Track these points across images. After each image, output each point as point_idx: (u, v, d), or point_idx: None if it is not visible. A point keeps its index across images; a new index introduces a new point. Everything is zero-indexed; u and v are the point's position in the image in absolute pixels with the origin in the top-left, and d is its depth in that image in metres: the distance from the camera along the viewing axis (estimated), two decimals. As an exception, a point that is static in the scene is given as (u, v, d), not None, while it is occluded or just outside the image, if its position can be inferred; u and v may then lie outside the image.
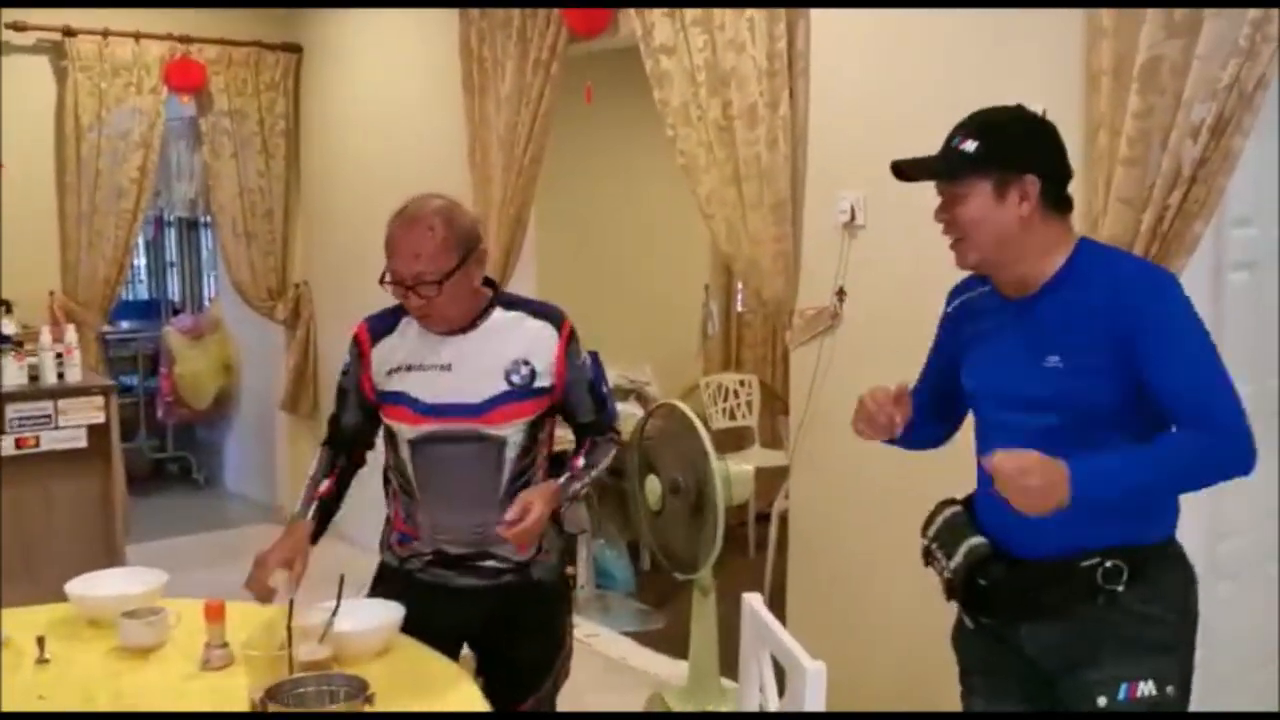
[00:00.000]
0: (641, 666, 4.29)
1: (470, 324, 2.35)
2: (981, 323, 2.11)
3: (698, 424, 3.55)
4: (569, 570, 4.89)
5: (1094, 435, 1.91)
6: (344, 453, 2.55)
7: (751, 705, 2.21)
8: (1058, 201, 1.98)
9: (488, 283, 2.41)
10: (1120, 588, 1.92)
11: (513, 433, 2.33)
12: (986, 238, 1.96)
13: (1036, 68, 2.89)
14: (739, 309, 6.59)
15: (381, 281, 2.30)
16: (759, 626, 2.19)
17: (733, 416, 5.95)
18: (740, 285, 6.56)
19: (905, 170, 2.04)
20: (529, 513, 2.22)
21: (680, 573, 3.74)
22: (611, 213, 5.85)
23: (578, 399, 2.43)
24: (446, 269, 2.24)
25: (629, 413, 5.48)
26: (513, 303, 2.42)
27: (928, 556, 2.14)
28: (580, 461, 2.45)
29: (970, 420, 2.24)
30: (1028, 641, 2.02)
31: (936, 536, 2.12)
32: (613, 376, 5.38)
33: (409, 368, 2.37)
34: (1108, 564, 1.92)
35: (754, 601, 2.25)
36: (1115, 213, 2.62)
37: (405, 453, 2.40)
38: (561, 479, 2.39)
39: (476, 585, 2.39)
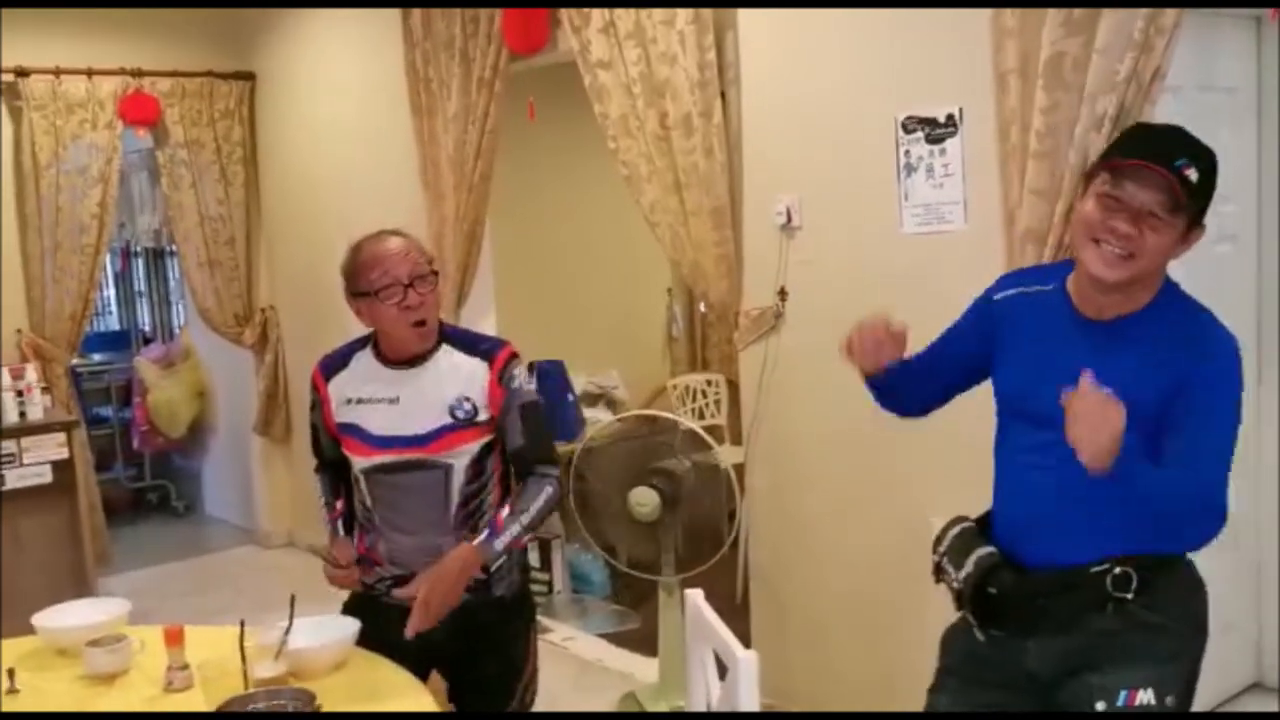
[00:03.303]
0: (616, 667, 4.38)
1: (421, 357, 2.44)
2: (1038, 327, 2.05)
3: (695, 426, 3.66)
4: (543, 575, 5.01)
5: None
6: (339, 471, 2.62)
7: (699, 696, 2.29)
8: None
9: None
10: (1129, 595, 1.94)
11: (459, 459, 2.42)
12: (1152, 267, 1.89)
13: (951, 69, 2.99)
14: (702, 309, 6.68)
15: (373, 293, 2.37)
16: (700, 621, 2.27)
17: (701, 415, 6.04)
18: (700, 287, 6.66)
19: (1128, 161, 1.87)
20: (421, 603, 2.25)
21: (650, 574, 3.82)
22: (569, 223, 5.94)
23: (509, 423, 2.44)
24: (434, 264, 2.42)
25: (597, 418, 5.58)
26: (458, 340, 2.49)
27: (939, 572, 2.13)
28: (505, 512, 2.42)
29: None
30: (1033, 653, 2.02)
31: (947, 551, 2.11)
32: (580, 383, 5.53)
33: (360, 401, 2.48)
34: (1117, 570, 1.93)
35: (695, 597, 2.33)
36: (1029, 205, 2.72)
37: (362, 483, 2.51)
38: (478, 540, 2.36)
39: None
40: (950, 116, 2.99)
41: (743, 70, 3.53)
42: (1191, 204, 1.85)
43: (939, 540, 2.15)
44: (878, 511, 3.36)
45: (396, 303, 2.37)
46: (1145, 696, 1.93)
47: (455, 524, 2.43)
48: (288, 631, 2.16)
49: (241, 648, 2.02)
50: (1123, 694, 1.94)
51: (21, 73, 5.23)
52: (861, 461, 3.40)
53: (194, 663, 2.24)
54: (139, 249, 7.63)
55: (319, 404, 2.55)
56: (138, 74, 5.52)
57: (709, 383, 6.20)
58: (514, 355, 2.47)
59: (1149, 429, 1.86)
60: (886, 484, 3.32)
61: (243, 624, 2.08)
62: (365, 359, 2.51)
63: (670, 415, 3.79)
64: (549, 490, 2.44)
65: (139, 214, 6.69)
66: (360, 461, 2.48)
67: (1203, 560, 3.37)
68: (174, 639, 2.25)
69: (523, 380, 2.46)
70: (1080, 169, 2.63)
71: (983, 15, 2.83)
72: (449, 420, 2.40)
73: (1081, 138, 2.61)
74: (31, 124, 5.26)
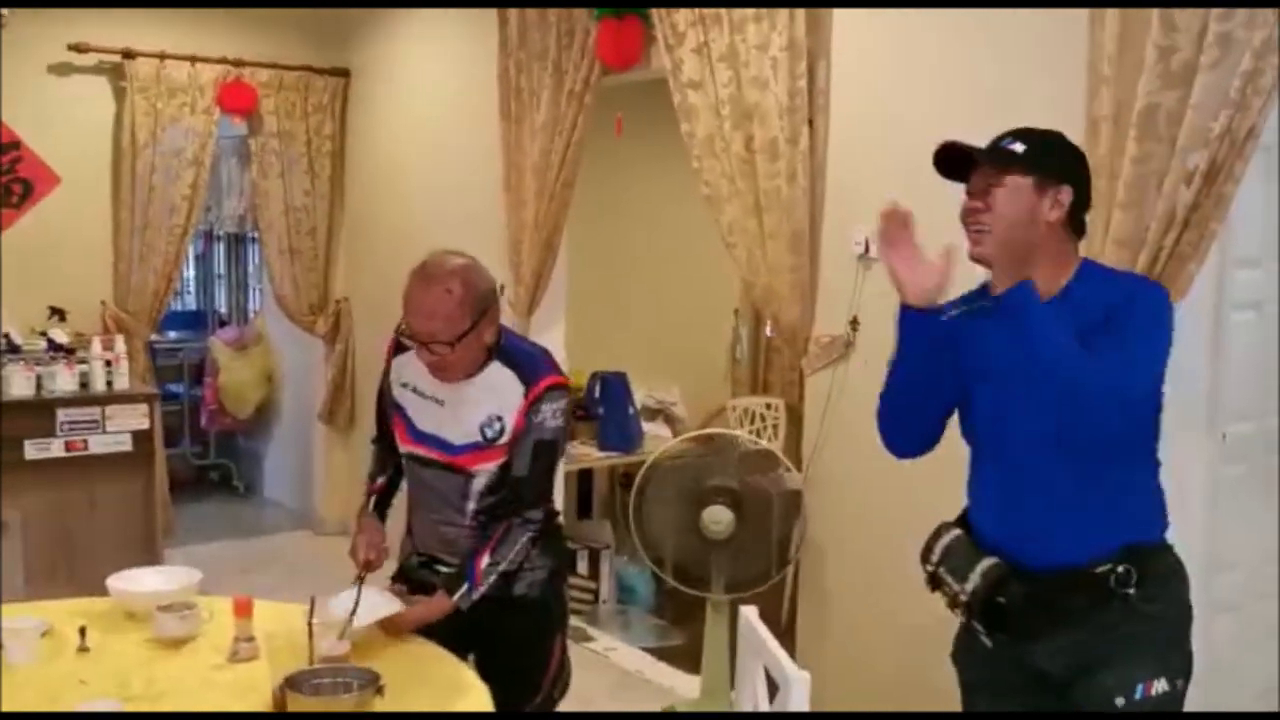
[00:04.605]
0: (656, 679, 4.41)
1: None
2: (977, 337, 2.15)
3: (773, 448, 3.68)
4: (589, 584, 5.04)
5: (1089, 454, 2.01)
6: (393, 446, 2.65)
7: (748, 708, 2.32)
8: (1077, 219, 2.09)
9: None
10: (1131, 590, 2.02)
11: (481, 473, 2.48)
12: (1010, 233, 2.04)
13: (1041, 112, 2.96)
14: (768, 334, 6.68)
15: (398, 332, 2.42)
16: (753, 638, 2.30)
17: (758, 439, 6.04)
18: (769, 311, 6.67)
19: (949, 155, 2.15)
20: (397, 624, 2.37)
21: (701, 591, 3.85)
22: (643, 237, 5.99)
23: (519, 450, 2.45)
24: (460, 330, 2.34)
25: (655, 433, 5.63)
26: (509, 356, 2.47)
27: (934, 581, 2.20)
28: (484, 561, 2.43)
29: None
30: (1041, 654, 2.10)
31: (943, 561, 2.18)
32: (639, 396, 5.57)
33: (414, 389, 2.54)
34: (1120, 569, 2.02)
35: (750, 615, 2.37)
36: (1112, 254, 2.71)
37: (403, 463, 2.61)
38: (459, 592, 2.41)
39: None
40: (1038, 160, 2.99)
41: (832, 99, 3.56)
42: (1027, 165, 2.03)
43: (928, 549, 2.22)
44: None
45: (415, 348, 2.41)
46: (1159, 685, 2.02)
47: (470, 522, 2.51)
48: (353, 611, 2.22)
49: (310, 624, 2.08)
50: (1139, 687, 2.02)
51: (128, 55, 5.41)
52: (920, 499, 3.39)
53: (260, 635, 2.31)
54: (221, 233, 7.81)
55: (386, 366, 2.62)
56: (239, 64, 5.68)
57: (768, 406, 6.19)
58: (553, 387, 2.44)
59: None
60: (948, 514, 3.31)
61: (313, 600, 2.14)
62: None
63: (742, 434, 3.82)
64: (526, 538, 2.47)
65: (225, 199, 6.84)
66: (401, 446, 2.58)
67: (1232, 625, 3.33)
68: (243, 610, 2.32)
69: (548, 416, 2.43)
70: (1167, 222, 2.63)
71: (1079, 60, 2.84)
72: (478, 439, 2.45)
73: (1170, 191, 2.61)
74: (133, 105, 5.43)
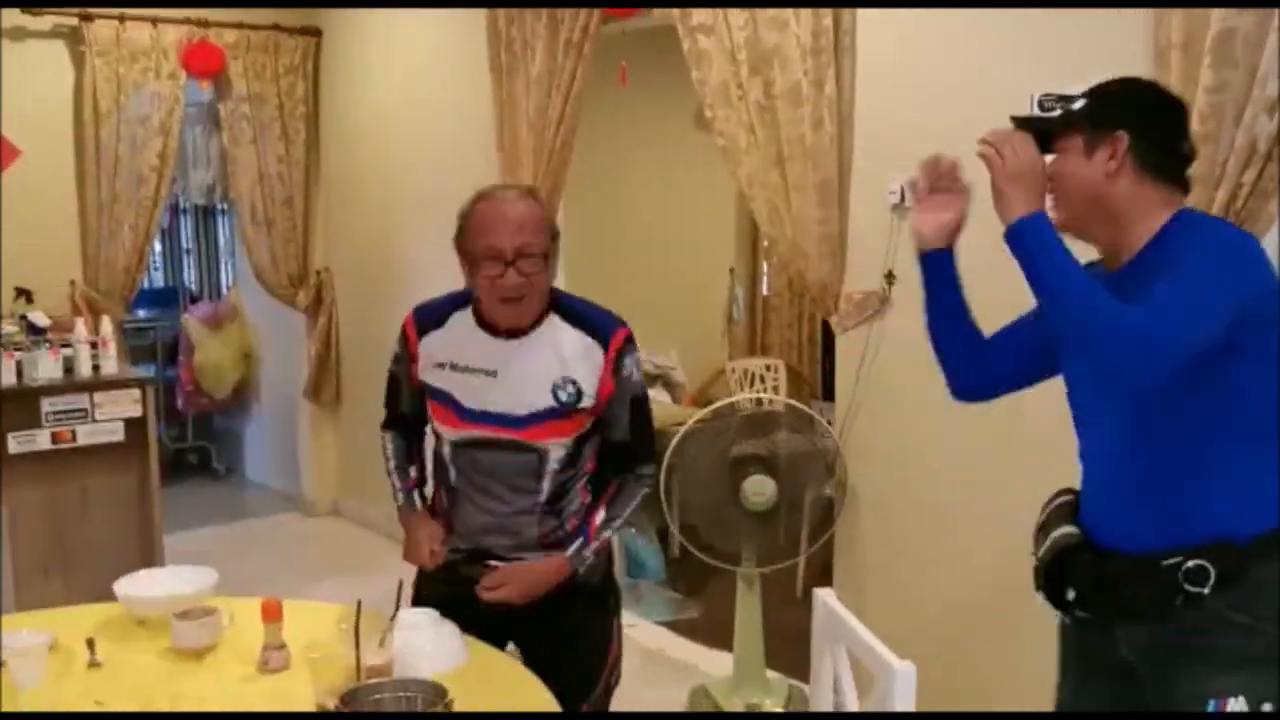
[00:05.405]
0: (681, 658, 4.25)
1: (525, 328, 2.27)
2: None
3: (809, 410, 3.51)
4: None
5: (1158, 411, 1.83)
6: (412, 433, 2.50)
7: (825, 705, 2.14)
8: (1154, 164, 1.89)
9: None
10: (1205, 590, 1.81)
11: (555, 447, 2.28)
12: (1074, 194, 1.93)
13: (1098, 41, 2.81)
14: (765, 293, 6.51)
15: (471, 263, 2.22)
16: (834, 623, 2.11)
17: (759, 402, 5.88)
18: (766, 268, 6.50)
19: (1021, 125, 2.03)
20: (503, 589, 2.24)
21: (728, 564, 3.67)
22: (637, 196, 5.78)
23: (615, 415, 2.31)
24: (546, 245, 2.22)
25: (655, 398, 5.43)
26: (569, 311, 2.31)
27: (1035, 543, 2.07)
28: (599, 517, 2.32)
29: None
30: (1123, 640, 1.93)
31: (1042, 526, 2.05)
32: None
33: (454, 366, 2.31)
34: (1190, 564, 1.81)
35: (827, 597, 2.18)
36: (1186, 191, 2.53)
37: (447, 452, 2.36)
38: (571, 549, 2.29)
39: None
40: (1096, 94, 2.80)
41: (859, 38, 3.34)
42: (1079, 123, 1.92)
43: (1042, 512, 2.09)
44: (979, 520, 3.19)
45: (492, 276, 2.19)
46: (1237, 704, 1.80)
47: (541, 510, 2.30)
48: (393, 618, 2.02)
49: (356, 633, 1.86)
50: (1212, 703, 1.81)
51: (86, 17, 5.08)
52: (964, 454, 3.24)
53: (290, 641, 2.11)
54: (188, 205, 7.49)
55: (406, 358, 2.39)
56: (203, 24, 5.36)
57: (768, 367, 6.03)
58: (629, 339, 2.30)
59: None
60: (991, 489, 3.15)
61: (359, 604, 1.93)
62: (464, 321, 2.32)
63: (771, 398, 3.63)
64: (643, 493, 2.37)
65: (192, 169, 6.53)
66: (448, 433, 2.33)
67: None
68: (272, 614, 2.10)
69: (634, 370, 2.30)
70: (1247, 154, 2.45)
71: (1136, -15, 2.65)
72: (551, 403, 2.24)
73: (1250, 121, 2.43)
74: (94, 70, 5.10)
